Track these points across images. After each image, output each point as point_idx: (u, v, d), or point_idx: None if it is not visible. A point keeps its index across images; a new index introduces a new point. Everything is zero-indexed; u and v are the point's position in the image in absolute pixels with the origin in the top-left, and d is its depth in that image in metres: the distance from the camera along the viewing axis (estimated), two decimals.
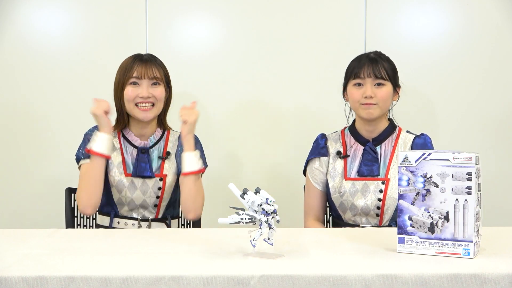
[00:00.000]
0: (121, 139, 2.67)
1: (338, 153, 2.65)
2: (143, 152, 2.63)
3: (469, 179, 1.84)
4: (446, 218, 1.87)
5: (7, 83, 3.36)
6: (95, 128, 2.66)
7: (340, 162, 2.64)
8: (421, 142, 2.62)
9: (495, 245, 1.98)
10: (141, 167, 2.61)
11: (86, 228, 2.80)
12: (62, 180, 3.27)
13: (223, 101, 3.37)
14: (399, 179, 1.93)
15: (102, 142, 2.55)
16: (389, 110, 2.70)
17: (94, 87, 3.35)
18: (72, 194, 2.79)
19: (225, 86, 3.37)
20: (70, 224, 2.75)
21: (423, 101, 3.35)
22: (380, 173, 2.58)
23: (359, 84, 2.60)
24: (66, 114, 3.36)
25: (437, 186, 1.87)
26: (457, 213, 1.86)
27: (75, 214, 2.79)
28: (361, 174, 2.59)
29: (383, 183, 2.57)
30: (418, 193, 1.90)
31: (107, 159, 2.59)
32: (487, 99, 3.34)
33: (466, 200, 1.85)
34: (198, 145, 2.68)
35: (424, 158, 1.89)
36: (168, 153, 2.67)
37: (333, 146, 2.68)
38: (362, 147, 2.63)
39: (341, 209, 2.63)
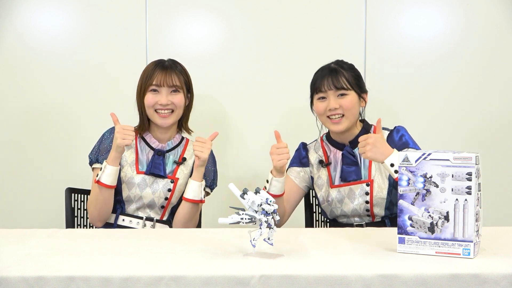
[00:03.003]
0: (138, 138, 2.71)
1: (321, 162, 2.67)
2: (159, 155, 2.67)
3: (469, 179, 1.84)
4: (446, 218, 1.87)
5: (6, 83, 3.35)
6: (112, 131, 2.69)
7: (324, 171, 2.66)
8: (394, 134, 2.59)
9: (495, 245, 1.98)
10: (155, 167, 2.65)
11: (86, 228, 2.80)
12: (62, 180, 3.27)
13: (222, 100, 3.37)
14: (399, 179, 1.93)
15: (110, 176, 2.58)
16: (360, 114, 2.67)
17: (94, 87, 3.35)
18: (72, 194, 2.79)
19: (224, 85, 3.36)
20: (70, 224, 2.76)
21: (424, 100, 3.35)
22: (362, 176, 2.59)
23: (323, 98, 2.59)
24: (65, 114, 3.36)
25: (437, 186, 1.88)
26: (457, 213, 1.86)
27: (75, 214, 2.80)
28: (344, 180, 2.59)
29: (367, 185, 2.57)
30: (418, 193, 1.90)
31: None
32: (488, 99, 3.34)
33: (466, 200, 1.85)
34: (213, 167, 2.76)
35: (424, 158, 1.89)
36: (184, 159, 2.71)
37: (314, 156, 2.69)
38: (341, 152, 2.63)
39: (332, 216, 2.66)
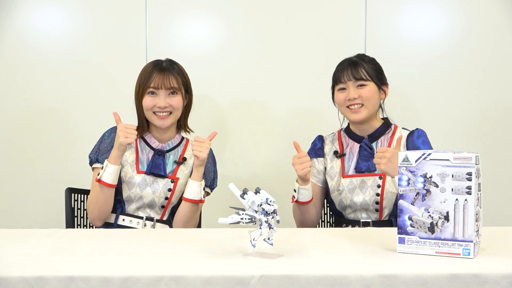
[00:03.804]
0: (138, 138, 2.72)
1: (335, 153, 2.71)
2: (159, 155, 2.67)
3: (469, 179, 1.84)
4: (446, 218, 1.87)
5: (6, 83, 3.35)
6: (112, 131, 2.69)
7: (337, 162, 2.70)
8: (415, 135, 2.66)
9: (495, 245, 1.98)
10: (155, 167, 2.65)
11: (86, 228, 2.80)
12: (62, 180, 3.27)
13: (223, 100, 3.37)
14: (399, 179, 1.93)
15: (111, 174, 2.58)
16: (381, 109, 2.73)
17: (94, 87, 3.35)
18: (72, 194, 2.79)
19: (224, 85, 3.37)
20: (70, 224, 2.76)
21: (424, 100, 3.35)
22: (377, 169, 2.60)
23: (343, 89, 2.66)
24: (65, 114, 3.36)
25: (437, 186, 1.88)
26: (457, 213, 1.86)
27: (75, 214, 2.80)
28: (359, 171, 2.64)
29: (380, 178, 2.61)
30: (418, 193, 1.90)
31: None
32: (488, 99, 3.34)
33: (466, 200, 1.85)
34: (213, 166, 2.76)
35: (424, 158, 1.89)
36: (185, 159, 2.71)
37: (329, 147, 2.74)
38: (358, 145, 2.68)
39: (340, 207, 2.67)
